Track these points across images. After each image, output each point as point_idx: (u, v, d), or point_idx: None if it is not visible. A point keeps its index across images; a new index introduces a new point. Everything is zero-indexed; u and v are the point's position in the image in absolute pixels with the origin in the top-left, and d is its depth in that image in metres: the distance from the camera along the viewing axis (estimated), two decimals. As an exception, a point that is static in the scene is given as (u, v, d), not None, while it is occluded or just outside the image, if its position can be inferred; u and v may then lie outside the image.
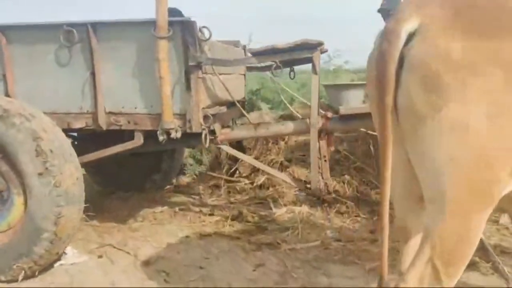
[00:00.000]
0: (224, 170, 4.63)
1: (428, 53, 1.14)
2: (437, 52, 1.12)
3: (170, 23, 2.39)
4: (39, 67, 2.72)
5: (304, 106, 4.76)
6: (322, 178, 2.89)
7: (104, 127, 2.67)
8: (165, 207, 3.82)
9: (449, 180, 1.17)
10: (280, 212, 3.60)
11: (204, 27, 2.44)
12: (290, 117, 5.11)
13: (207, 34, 2.44)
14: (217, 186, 4.48)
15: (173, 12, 3.86)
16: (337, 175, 4.01)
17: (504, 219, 3.26)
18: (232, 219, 3.52)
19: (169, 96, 2.46)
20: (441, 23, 1.14)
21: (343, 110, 2.71)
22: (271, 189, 4.12)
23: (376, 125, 1.37)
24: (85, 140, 3.16)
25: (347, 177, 3.93)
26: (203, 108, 2.55)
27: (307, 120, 2.87)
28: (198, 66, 2.46)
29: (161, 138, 2.55)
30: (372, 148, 4.46)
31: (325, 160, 2.89)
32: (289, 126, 2.91)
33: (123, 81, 2.62)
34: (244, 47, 3.54)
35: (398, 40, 1.17)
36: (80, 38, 2.57)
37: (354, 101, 5.30)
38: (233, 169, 4.58)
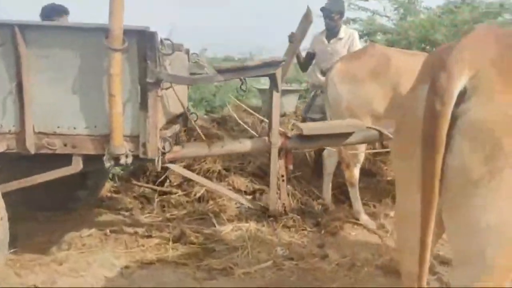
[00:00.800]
0: (150, 178, 4.27)
1: (485, 116, 1.07)
2: (496, 114, 1.06)
3: (126, 33, 2.03)
4: None
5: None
6: (280, 198, 2.78)
7: (32, 151, 2.21)
8: (93, 229, 3.37)
9: (497, 245, 1.13)
10: (226, 230, 3.42)
11: (166, 39, 2.13)
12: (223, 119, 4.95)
13: (169, 47, 2.13)
14: (147, 198, 4.12)
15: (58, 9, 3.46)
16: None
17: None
18: (174, 241, 3.24)
19: (120, 117, 2.11)
20: (497, 81, 1.07)
21: (306, 130, 2.61)
22: (211, 202, 3.91)
23: (405, 175, 1.28)
24: (7, 163, 2.60)
25: (289, 187, 3.87)
26: (160, 129, 2.25)
27: (265, 138, 2.73)
28: (157, 83, 2.15)
29: (107, 164, 2.19)
30: (308, 156, 4.49)
31: (283, 180, 2.77)
32: (246, 144, 2.73)
33: (59, 96, 2.19)
34: (187, 51, 3.23)
35: (451, 100, 1.09)
36: (3, 42, 2.07)
37: (288, 107, 5.32)
38: (162, 177, 4.24)
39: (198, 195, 3.95)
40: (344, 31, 4.10)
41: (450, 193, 1.17)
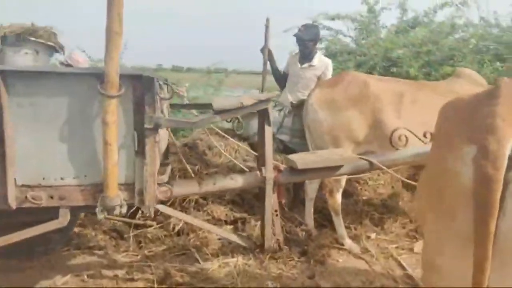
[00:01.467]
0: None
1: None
2: None
3: (122, 77, 1.89)
4: None
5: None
6: (274, 234, 2.72)
7: (14, 206, 2.00)
8: (68, 275, 3.12)
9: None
10: (213, 267, 3.29)
11: (165, 82, 2.02)
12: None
13: (167, 91, 2.02)
14: (119, 233, 3.89)
15: None
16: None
17: (418, 247, 3.60)
18: (159, 283, 3.07)
19: (116, 167, 1.97)
20: None
21: (300, 164, 2.58)
22: (191, 235, 3.75)
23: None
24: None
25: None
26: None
27: (258, 172, 2.67)
28: (155, 129, 2.02)
29: (100, 216, 2.03)
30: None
31: (276, 215, 2.72)
32: (238, 180, 2.65)
33: (45, 145, 2.00)
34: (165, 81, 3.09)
35: (503, 164, 1.09)
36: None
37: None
38: (133, 208, 4.01)
39: (176, 228, 3.78)
40: (319, 58, 4.09)
41: (501, 256, 1.18)
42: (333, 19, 6.19)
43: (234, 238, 2.81)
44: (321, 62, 4.08)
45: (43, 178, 2.03)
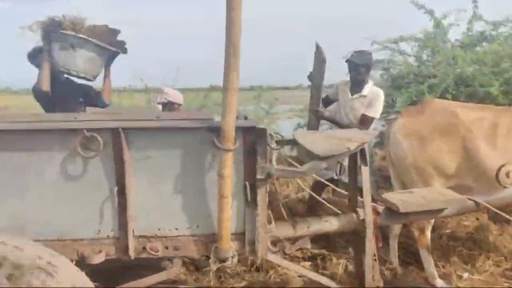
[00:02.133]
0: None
1: None
2: None
3: (236, 130, 1.91)
4: (33, 181, 2.00)
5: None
6: (374, 280, 2.61)
7: (133, 256, 2.05)
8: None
9: None
10: (302, 308, 3.22)
11: (276, 133, 2.02)
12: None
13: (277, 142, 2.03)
14: (197, 266, 3.90)
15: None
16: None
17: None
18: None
19: (229, 219, 1.98)
20: None
21: (402, 208, 2.48)
22: (270, 271, 3.70)
23: None
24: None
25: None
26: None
27: (353, 214, 2.59)
28: (267, 179, 2.02)
29: (213, 267, 2.03)
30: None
31: (375, 260, 2.61)
32: (334, 222, 2.59)
33: (160, 196, 2.06)
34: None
35: None
36: (104, 146, 1.95)
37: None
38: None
39: (255, 264, 3.74)
40: (370, 89, 3.87)
41: None
42: (396, 42, 5.95)
43: (316, 277, 2.71)
44: (372, 93, 3.83)
45: (159, 229, 2.07)
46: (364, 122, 3.73)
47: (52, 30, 3.00)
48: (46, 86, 3.21)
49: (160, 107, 3.92)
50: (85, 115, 2.19)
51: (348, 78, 4.00)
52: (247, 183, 2.03)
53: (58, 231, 2.04)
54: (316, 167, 2.13)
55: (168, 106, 4.00)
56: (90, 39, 2.97)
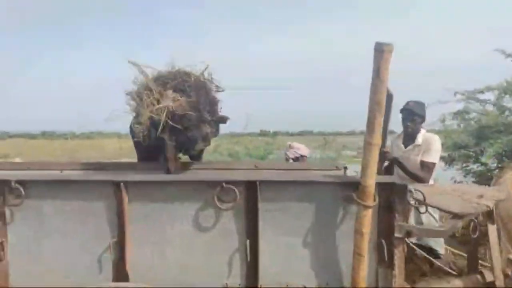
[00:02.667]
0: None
1: None
2: None
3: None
4: (165, 231, 2.06)
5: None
6: None
7: None
8: None
9: None
10: None
11: (416, 189, 1.96)
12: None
13: (416, 196, 1.96)
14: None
15: None
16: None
17: None
18: None
19: (364, 278, 1.90)
20: None
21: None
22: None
23: None
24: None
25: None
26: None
27: (478, 276, 2.40)
28: (405, 238, 1.94)
29: None
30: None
31: (504, 325, 2.38)
32: (456, 284, 2.40)
33: (288, 250, 2.03)
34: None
35: None
36: (236, 197, 1.98)
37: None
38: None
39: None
40: (423, 136, 3.66)
41: None
42: (482, 91, 5.76)
43: None
44: (426, 140, 3.62)
45: (287, 284, 2.02)
46: (424, 168, 3.51)
47: None
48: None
49: (290, 161, 4.05)
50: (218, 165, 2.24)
51: (399, 132, 3.86)
52: (383, 241, 1.95)
53: (185, 281, 2.05)
54: (455, 225, 2.02)
55: (300, 159, 4.11)
56: None
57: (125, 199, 2.05)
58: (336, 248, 2.02)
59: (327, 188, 2.00)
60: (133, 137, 3.12)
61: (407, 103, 3.71)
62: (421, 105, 3.81)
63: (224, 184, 1.97)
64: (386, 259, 1.95)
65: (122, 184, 2.04)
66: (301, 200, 2.02)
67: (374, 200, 1.88)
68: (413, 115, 3.67)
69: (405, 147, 3.72)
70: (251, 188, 2.00)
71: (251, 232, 2.02)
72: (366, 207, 1.86)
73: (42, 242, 2.15)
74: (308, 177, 2.06)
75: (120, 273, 2.09)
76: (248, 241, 2.01)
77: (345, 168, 2.82)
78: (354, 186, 1.92)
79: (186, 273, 2.08)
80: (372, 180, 1.85)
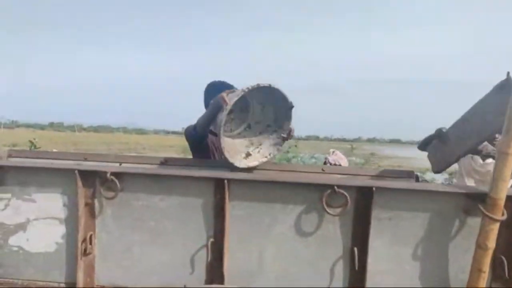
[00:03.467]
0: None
1: None
2: None
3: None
4: (267, 232, 1.95)
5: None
6: None
7: None
8: None
9: None
10: None
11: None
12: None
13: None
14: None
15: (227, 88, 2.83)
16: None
17: None
18: None
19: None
20: None
21: None
22: None
23: None
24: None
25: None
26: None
27: None
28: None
29: None
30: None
31: None
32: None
33: (397, 260, 1.92)
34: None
35: None
36: (347, 202, 1.87)
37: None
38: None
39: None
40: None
41: None
42: None
43: None
44: None
45: None
46: None
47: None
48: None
49: (328, 165, 3.92)
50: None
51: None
52: (502, 257, 1.84)
53: (285, 284, 1.95)
54: None
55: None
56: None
57: (227, 197, 1.94)
58: (450, 262, 1.90)
59: (447, 199, 1.88)
60: (192, 141, 3.06)
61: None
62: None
63: (336, 188, 1.86)
64: (506, 276, 1.83)
65: (226, 181, 1.93)
66: (415, 209, 1.90)
67: (503, 214, 1.76)
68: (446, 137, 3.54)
69: (483, 160, 3.59)
70: (364, 194, 1.89)
71: (360, 240, 1.91)
72: (494, 220, 1.74)
73: (133, 238, 2.05)
74: (427, 187, 1.94)
75: (215, 275, 1.99)
76: (356, 249, 1.90)
77: (417, 176, 2.71)
78: (479, 198, 1.80)
79: (284, 278, 1.97)
80: (503, 193, 1.73)
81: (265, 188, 1.97)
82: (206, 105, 3.17)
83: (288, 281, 1.97)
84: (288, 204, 1.96)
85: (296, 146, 8.39)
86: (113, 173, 1.99)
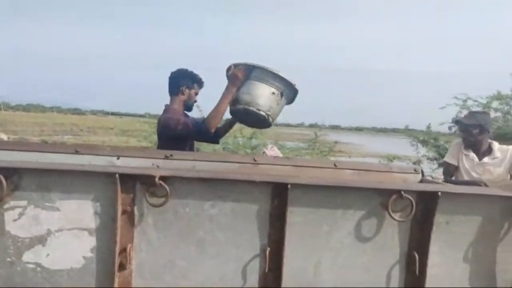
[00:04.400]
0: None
1: None
2: None
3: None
4: (314, 238, 1.88)
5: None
6: None
7: None
8: None
9: None
10: None
11: None
12: None
13: None
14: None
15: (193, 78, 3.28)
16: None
17: None
18: None
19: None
20: None
21: None
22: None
23: None
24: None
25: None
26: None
27: None
28: None
29: None
30: None
31: None
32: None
33: (449, 265, 1.95)
34: None
35: None
36: (412, 207, 1.85)
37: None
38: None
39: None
40: (500, 149, 3.76)
41: None
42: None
43: None
44: (504, 153, 3.69)
45: None
46: None
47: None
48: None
49: None
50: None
51: (459, 139, 3.97)
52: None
53: None
54: None
55: None
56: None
57: (288, 203, 1.81)
58: (498, 264, 1.97)
59: (503, 201, 1.92)
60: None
61: (464, 116, 3.76)
62: (477, 115, 3.75)
63: (402, 192, 1.82)
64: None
65: (289, 186, 1.80)
66: (470, 212, 1.93)
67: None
68: (466, 126, 3.67)
69: (480, 159, 3.73)
70: (426, 199, 1.87)
71: (419, 244, 1.90)
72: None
73: (177, 250, 1.83)
74: (491, 191, 1.97)
75: (271, 284, 1.85)
76: (415, 254, 1.89)
77: (422, 172, 2.79)
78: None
79: (342, 286, 1.90)
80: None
81: (327, 192, 1.87)
82: (169, 91, 3.34)
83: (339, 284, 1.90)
84: (349, 209, 1.88)
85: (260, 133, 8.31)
86: (161, 177, 1.75)
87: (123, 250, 1.78)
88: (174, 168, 2.18)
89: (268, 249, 1.84)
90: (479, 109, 6.71)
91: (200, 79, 3.43)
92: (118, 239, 1.76)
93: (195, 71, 3.39)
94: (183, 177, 1.81)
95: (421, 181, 2.74)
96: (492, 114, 6.38)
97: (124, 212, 1.78)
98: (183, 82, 3.36)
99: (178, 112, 3.34)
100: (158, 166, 2.49)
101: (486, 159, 3.76)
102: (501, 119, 6.28)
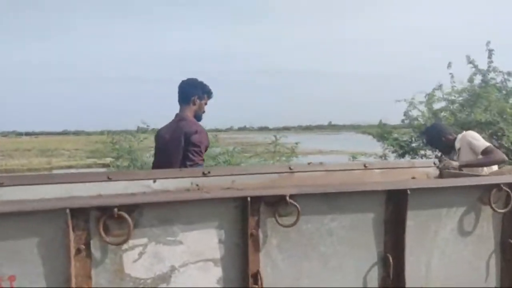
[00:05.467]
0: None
1: None
2: None
3: None
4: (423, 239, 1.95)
5: None
6: None
7: None
8: None
9: None
10: None
11: None
12: None
13: None
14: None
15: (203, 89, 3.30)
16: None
17: None
18: None
19: None
20: None
21: None
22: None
23: None
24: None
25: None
26: None
27: None
28: None
29: None
30: None
31: None
32: None
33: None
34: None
35: None
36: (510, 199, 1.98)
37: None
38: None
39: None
40: (460, 141, 3.97)
41: None
42: None
43: None
44: (462, 142, 3.93)
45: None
46: (488, 153, 3.73)
47: None
48: None
49: None
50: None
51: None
52: None
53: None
54: None
55: None
56: None
57: (408, 208, 1.84)
58: None
59: None
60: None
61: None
62: (427, 131, 4.18)
63: (502, 186, 1.94)
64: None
65: (409, 191, 1.82)
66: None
67: None
68: (426, 144, 4.04)
69: (451, 159, 4.02)
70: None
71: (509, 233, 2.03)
72: None
73: (301, 268, 1.77)
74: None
75: (392, 290, 1.87)
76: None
77: (438, 166, 2.99)
78: None
79: (449, 282, 1.97)
80: None
81: (432, 194, 1.93)
82: (180, 101, 3.28)
83: (453, 285, 1.98)
84: (451, 207, 1.96)
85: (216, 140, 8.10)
86: (291, 196, 1.68)
87: (253, 276, 1.68)
88: (293, 185, 2.10)
89: (388, 255, 1.85)
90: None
91: (210, 90, 3.32)
92: (249, 265, 1.66)
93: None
94: (304, 194, 1.75)
95: (440, 172, 2.93)
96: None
97: (250, 236, 1.68)
98: (194, 91, 3.24)
99: (197, 123, 3.23)
100: (197, 185, 2.41)
101: (456, 157, 4.04)
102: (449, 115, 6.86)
